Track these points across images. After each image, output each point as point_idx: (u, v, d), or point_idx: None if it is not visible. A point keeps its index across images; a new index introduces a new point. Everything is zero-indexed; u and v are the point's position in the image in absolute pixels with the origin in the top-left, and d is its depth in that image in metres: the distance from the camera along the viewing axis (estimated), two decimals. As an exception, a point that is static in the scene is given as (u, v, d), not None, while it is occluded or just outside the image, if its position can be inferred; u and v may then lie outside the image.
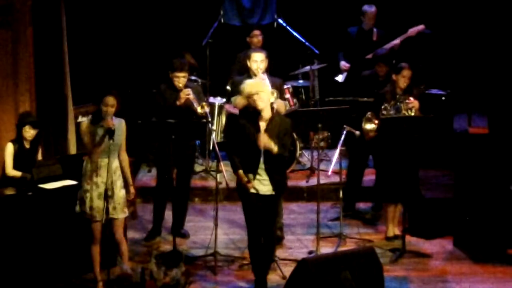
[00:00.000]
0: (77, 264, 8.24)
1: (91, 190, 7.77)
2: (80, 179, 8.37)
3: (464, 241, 9.01)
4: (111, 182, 7.79)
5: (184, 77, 9.02)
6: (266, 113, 7.73)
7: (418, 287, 8.16)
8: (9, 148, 8.48)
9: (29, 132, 8.49)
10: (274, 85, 8.93)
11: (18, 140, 8.52)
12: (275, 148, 7.63)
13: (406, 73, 9.01)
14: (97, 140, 7.73)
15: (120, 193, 7.86)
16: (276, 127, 7.71)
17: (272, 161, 7.70)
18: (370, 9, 11.20)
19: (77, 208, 7.85)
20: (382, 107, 8.95)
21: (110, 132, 7.65)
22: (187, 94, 8.86)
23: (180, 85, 9.00)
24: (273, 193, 7.78)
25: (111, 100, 7.73)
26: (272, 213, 7.85)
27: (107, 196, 7.66)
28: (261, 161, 7.71)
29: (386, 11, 11.68)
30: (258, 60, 8.81)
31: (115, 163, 7.86)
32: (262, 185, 7.75)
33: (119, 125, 7.87)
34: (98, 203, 7.76)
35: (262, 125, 7.71)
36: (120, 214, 7.89)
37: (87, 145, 7.82)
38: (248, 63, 8.89)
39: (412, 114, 8.95)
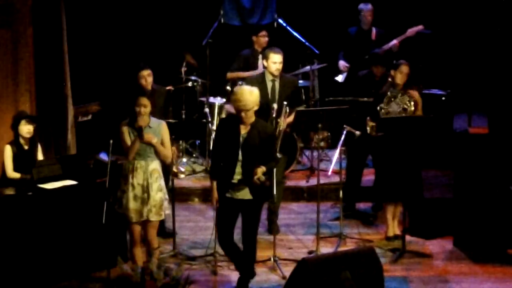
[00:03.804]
0: (78, 264, 8.24)
1: (127, 191, 7.78)
2: (80, 179, 8.39)
3: (464, 241, 9.01)
4: (147, 184, 7.79)
5: (149, 75, 9.02)
6: (248, 120, 7.64)
7: (418, 287, 8.16)
8: (8, 151, 8.45)
9: (26, 128, 8.42)
10: (290, 84, 9.05)
11: (16, 142, 8.48)
12: (262, 177, 7.55)
13: (404, 69, 9.01)
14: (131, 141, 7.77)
15: (156, 196, 7.82)
16: (257, 134, 7.63)
17: (251, 167, 7.58)
18: (366, 7, 11.22)
19: (117, 207, 7.86)
20: (378, 108, 8.94)
21: (139, 131, 7.67)
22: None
23: (149, 86, 9.00)
24: (251, 197, 7.66)
25: (143, 100, 7.73)
26: (250, 219, 7.73)
27: (108, 196, 7.67)
28: (238, 165, 7.62)
29: (385, 11, 11.69)
30: (277, 62, 8.90)
31: (152, 166, 7.83)
32: (239, 190, 7.66)
33: (157, 128, 7.85)
34: (134, 205, 7.78)
35: (243, 129, 7.63)
36: (155, 216, 7.86)
37: (124, 146, 7.81)
38: (266, 63, 8.95)
39: (412, 104, 8.91)
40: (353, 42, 11.18)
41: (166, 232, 9.32)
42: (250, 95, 7.57)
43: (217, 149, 7.79)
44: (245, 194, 7.66)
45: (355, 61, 11.05)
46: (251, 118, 7.62)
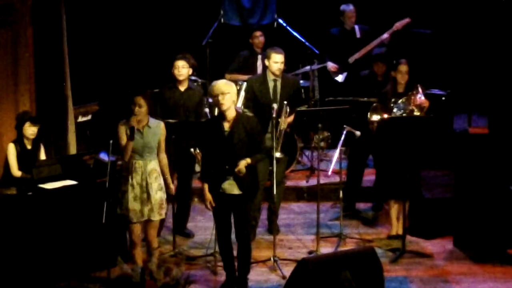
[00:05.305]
0: (78, 264, 8.23)
1: (127, 192, 7.77)
2: (80, 179, 8.39)
3: (464, 241, 9.01)
4: (146, 184, 7.79)
5: (183, 67, 9.06)
6: (229, 114, 7.70)
7: (418, 287, 8.16)
8: (11, 149, 8.49)
9: (30, 129, 8.49)
10: (291, 84, 9.05)
11: (19, 141, 8.52)
12: (243, 169, 7.62)
13: (403, 68, 9.04)
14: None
15: (156, 195, 7.83)
16: (242, 128, 7.69)
17: (237, 161, 7.65)
18: (348, 8, 11.22)
19: (118, 210, 7.85)
20: (394, 109, 8.94)
21: (131, 131, 7.66)
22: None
23: (181, 77, 9.04)
24: (240, 192, 7.73)
25: (139, 100, 7.71)
26: (240, 214, 7.77)
27: (108, 197, 7.67)
28: (226, 161, 7.67)
29: (369, 7, 11.71)
30: (279, 62, 8.92)
31: (151, 165, 7.84)
32: (229, 184, 7.73)
33: (156, 127, 7.86)
34: (134, 205, 7.77)
35: (226, 125, 7.71)
36: (156, 216, 7.87)
37: (121, 146, 7.81)
38: (267, 63, 8.97)
39: (418, 113, 8.94)
40: (338, 43, 11.17)
41: (185, 233, 9.35)
42: (225, 87, 7.65)
43: (204, 150, 7.88)
44: (234, 189, 7.72)
45: (343, 61, 11.07)
46: (231, 112, 7.69)
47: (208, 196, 7.75)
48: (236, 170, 7.60)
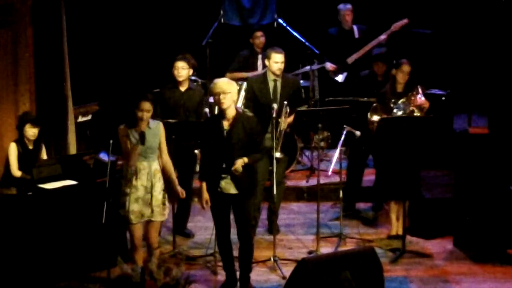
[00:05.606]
0: (77, 264, 8.23)
1: (130, 194, 7.76)
2: (80, 179, 8.39)
3: (464, 241, 9.01)
4: (150, 185, 7.79)
5: (182, 68, 9.07)
6: (229, 113, 7.71)
7: (418, 287, 8.16)
8: (13, 148, 8.50)
9: (31, 131, 8.51)
10: (292, 84, 9.06)
11: (20, 141, 8.53)
12: (240, 168, 7.62)
13: (406, 68, 9.04)
14: (132, 144, 7.72)
15: (159, 196, 7.83)
16: (241, 127, 7.70)
17: (235, 160, 7.65)
18: (345, 7, 11.23)
19: (122, 212, 7.83)
20: (395, 109, 8.95)
21: (142, 136, 7.67)
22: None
23: (180, 78, 9.06)
24: (237, 192, 7.74)
25: (146, 105, 7.70)
26: (240, 213, 7.79)
27: (108, 197, 7.66)
28: (224, 159, 7.68)
29: (367, 8, 11.71)
30: (279, 61, 8.92)
31: (154, 166, 7.83)
32: (226, 183, 7.74)
33: (156, 128, 7.85)
34: (135, 207, 7.76)
35: (225, 124, 7.72)
36: (158, 217, 7.87)
37: (124, 149, 7.79)
38: (267, 63, 8.98)
39: (418, 113, 8.94)
40: (336, 43, 11.17)
41: (185, 233, 9.36)
42: (226, 86, 7.66)
43: (204, 149, 7.89)
44: (231, 188, 7.74)
45: (341, 62, 11.07)
46: (231, 111, 7.70)
47: (206, 195, 7.76)
48: (232, 168, 7.61)
